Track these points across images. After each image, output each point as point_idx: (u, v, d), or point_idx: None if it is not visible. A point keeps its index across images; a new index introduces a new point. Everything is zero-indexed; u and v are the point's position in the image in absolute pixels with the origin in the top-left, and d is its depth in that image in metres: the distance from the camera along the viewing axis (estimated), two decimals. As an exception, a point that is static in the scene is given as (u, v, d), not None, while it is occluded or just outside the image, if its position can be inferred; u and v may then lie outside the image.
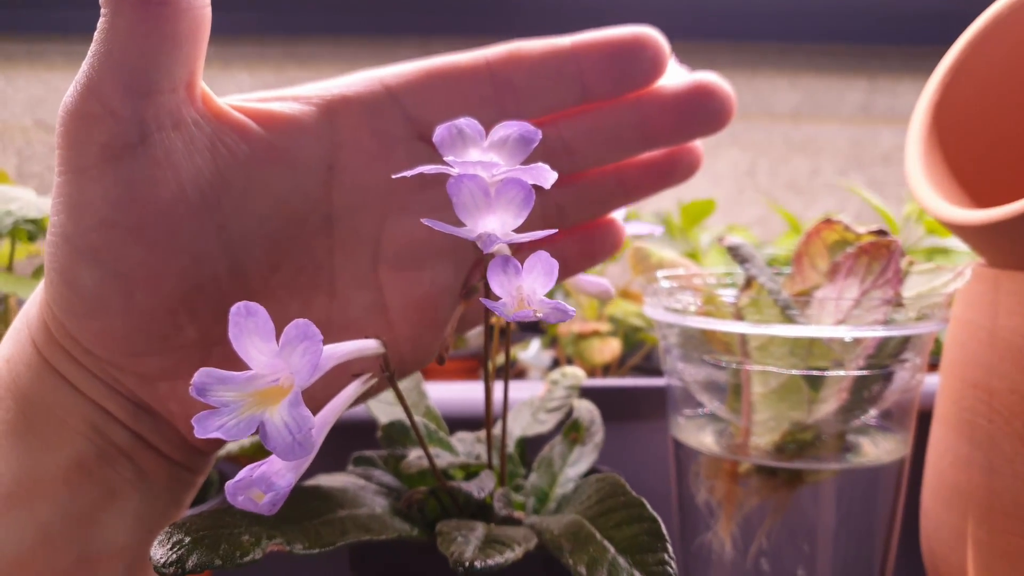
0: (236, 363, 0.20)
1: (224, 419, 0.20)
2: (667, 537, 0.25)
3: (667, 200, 1.14)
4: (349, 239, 0.28)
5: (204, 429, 0.19)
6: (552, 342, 0.75)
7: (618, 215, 0.33)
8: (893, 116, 1.19)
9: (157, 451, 0.28)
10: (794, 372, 0.36)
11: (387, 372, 0.29)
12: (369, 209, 0.28)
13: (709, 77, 0.28)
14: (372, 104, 0.27)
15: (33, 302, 0.27)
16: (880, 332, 0.35)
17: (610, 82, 0.27)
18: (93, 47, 0.22)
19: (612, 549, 0.25)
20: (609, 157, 0.30)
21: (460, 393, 0.47)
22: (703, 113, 0.28)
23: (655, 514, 0.26)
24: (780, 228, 1.17)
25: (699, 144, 0.31)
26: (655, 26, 0.27)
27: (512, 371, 0.73)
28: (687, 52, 1.17)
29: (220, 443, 0.29)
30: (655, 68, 0.27)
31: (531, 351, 0.66)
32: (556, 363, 0.69)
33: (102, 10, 0.22)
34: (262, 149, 0.26)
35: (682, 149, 0.31)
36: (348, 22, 1.11)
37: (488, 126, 0.25)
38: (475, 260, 0.31)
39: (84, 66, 0.22)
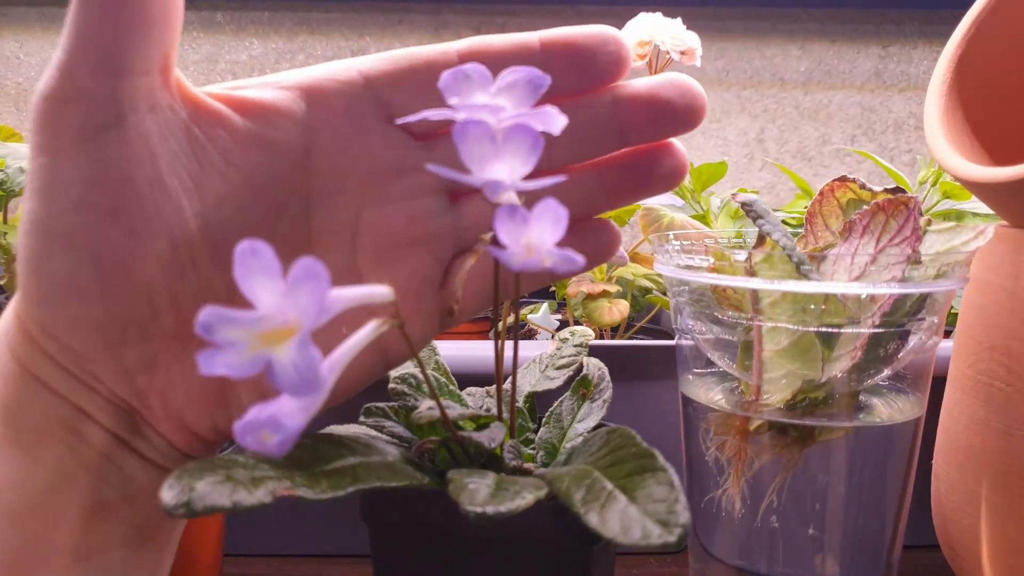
0: None
1: (230, 356, 0.19)
2: (680, 487, 0.24)
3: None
4: (327, 227, 0.29)
5: (210, 366, 0.19)
6: (560, 305, 0.75)
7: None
8: (907, 83, 1.17)
9: (142, 456, 0.27)
10: (808, 329, 0.36)
11: (397, 321, 0.29)
12: (347, 195, 0.29)
13: (683, 77, 0.29)
14: (347, 89, 0.28)
15: (10, 309, 0.27)
16: (897, 289, 0.34)
17: (574, 76, 0.28)
18: (65, 31, 0.23)
19: (624, 498, 0.25)
20: (584, 152, 0.30)
21: (470, 351, 0.47)
22: (674, 109, 0.29)
23: (667, 464, 0.25)
24: (788, 196, 1.16)
25: (682, 149, 0.31)
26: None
27: (521, 333, 0.73)
28: (697, 18, 1.16)
29: (210, 446, 0.29)
30: (618, 64, 0.28)
31: (540, 314, 0.65)
32: (564, 325, 0.69)
33: None
34: (238, 135, 0.26)
35: (663, 151, 0.31)
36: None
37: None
38: (457, 251, 0.31)
39: (57, 51, 0.23)
